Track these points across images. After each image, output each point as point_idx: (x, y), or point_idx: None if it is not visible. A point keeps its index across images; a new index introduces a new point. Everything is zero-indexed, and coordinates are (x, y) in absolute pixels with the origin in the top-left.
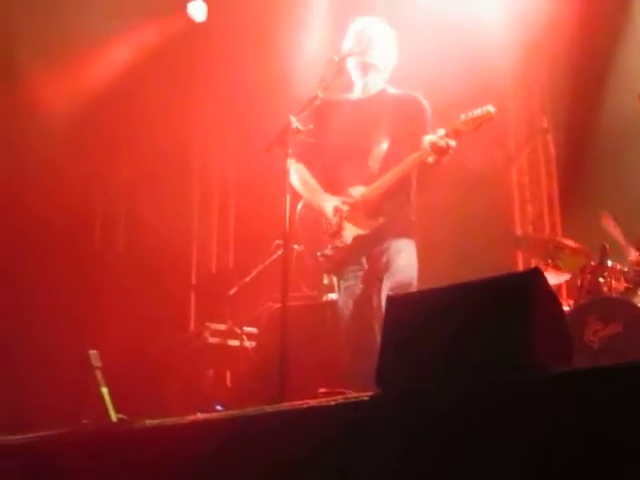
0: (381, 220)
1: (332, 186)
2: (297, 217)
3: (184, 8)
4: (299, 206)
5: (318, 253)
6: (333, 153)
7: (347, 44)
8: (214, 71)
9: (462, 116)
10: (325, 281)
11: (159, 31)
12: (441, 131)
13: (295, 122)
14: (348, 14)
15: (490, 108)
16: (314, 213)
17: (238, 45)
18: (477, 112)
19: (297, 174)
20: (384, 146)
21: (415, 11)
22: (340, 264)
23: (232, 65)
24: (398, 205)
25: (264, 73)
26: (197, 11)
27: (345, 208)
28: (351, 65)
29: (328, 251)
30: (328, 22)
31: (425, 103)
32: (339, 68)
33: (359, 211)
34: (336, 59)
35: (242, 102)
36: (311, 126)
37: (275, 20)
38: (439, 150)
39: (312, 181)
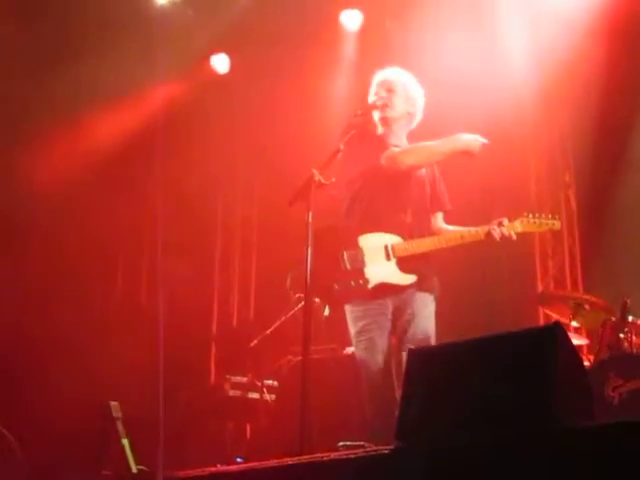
0: (414, 278)
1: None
2: (309, 251)
3: (207, 60)
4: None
5: (335, 286)
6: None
7: (371, 96)
8: (237, 123)
9: (530, 216)
10: (326, 312)
11: (183, 83)
12: (506, 221)
13: (317, 175)
14: (376, 66)
15: (557, 225)
16: (329, 241)
17: (261, 96)
18: (544, 221)
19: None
20: (415, 201)
21: (437, 67)
22: (358, 300)
23: (255, 117)
24: (430, 263)
25: (287, 125)
26: (220, 63)
27: (381, 250)
28: (376, 119)
29: (347, 284)
30: (354, 74)
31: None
32: (363, 121)
33: (390, 259)
34: (359, 112)
35: (265, 155)
36: (334, 179)
37: (299, 71)
38: (503, 238)
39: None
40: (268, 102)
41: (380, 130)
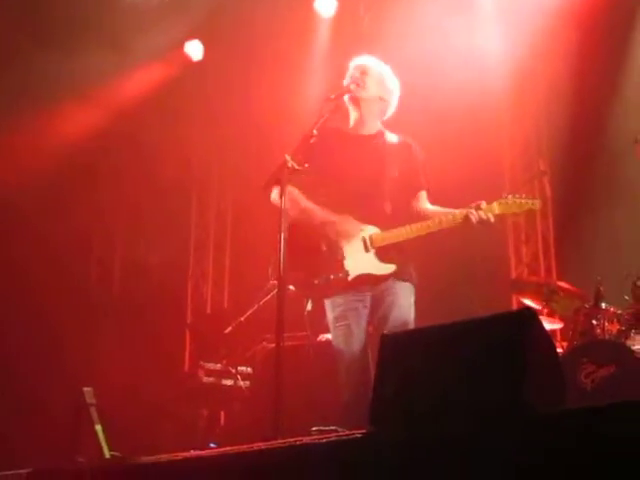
0: (393, 268)
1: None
2: (283, 237)
3: (181, 47)
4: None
5: (315, 281)
6: (342, 187)
7: (346, 80)
8: (211, 110)
9: (509, 197)
10: (308, 307)
11: (156, 70)
12: (484, 204)
13: (290, 161)
14: (349, 53)
15: (537, 204)
16: (307, 234)
17: (235, 84)
18: (524, 200)
19: (290, 195)
20: (393, 188)
21: (412, 56)
22: (338, 292)
23: (229, 104)
24: (408, 251)
25: (260, 112)
26: (194, 50)
27: (359, 242)
28: (347, 100)
29: (327, 278)
30: (328, 60)
31: (420, 151)
32: (335, 106)
33: (369, 250)
34: (332, 97)
35: (239, 142)
36: (307, 165)
37: (272, 59)
38: (482, 222)
39: (310, 203)
40: (242, 88)
41: (352, 115)
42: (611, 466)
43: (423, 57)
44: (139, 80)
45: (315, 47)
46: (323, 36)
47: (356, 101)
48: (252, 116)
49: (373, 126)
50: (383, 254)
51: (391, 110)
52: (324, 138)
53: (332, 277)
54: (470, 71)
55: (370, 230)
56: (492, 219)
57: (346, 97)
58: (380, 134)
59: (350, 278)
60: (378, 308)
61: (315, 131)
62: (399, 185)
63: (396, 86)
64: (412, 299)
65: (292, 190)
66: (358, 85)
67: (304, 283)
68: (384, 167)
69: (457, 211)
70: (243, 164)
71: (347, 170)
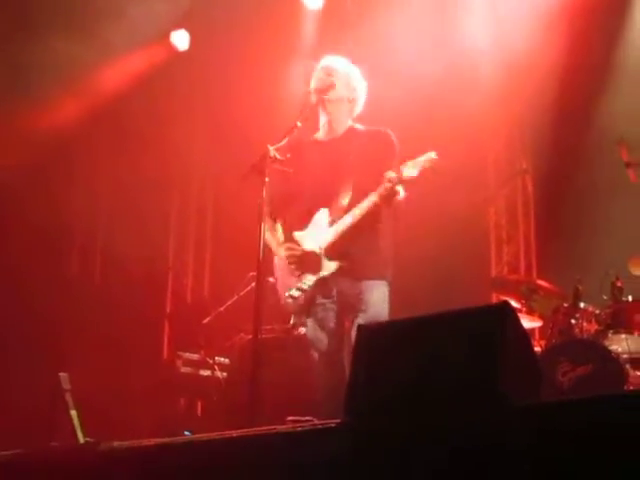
0: (343, 263)
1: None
2: (262, 227)
3: (168, 37)
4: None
5: (286, 294)
6: (305, 197)
7: (313, 81)
8: (195, 100)
9: (408, 163)
10: (292, 321)
11: (141, 60)
12: (391, 174)
13: (273, 151)
14: (334, 48)
15: (433, 155)
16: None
17: (219, 75)
18: (420, 159)
19: (267, 227)
20: (350, 188)
21: (396, 53)
22: (306, 304)
23: (212, 95)
24: (366, 245)
25: (244, 103)
26: (180, 40)
27: (292, 258)
28: (315, 104)
29: (295, 292)
30: (314, 52)
31: (394, 139)
32: (319, 99)
33: (317, 255)
34: (321, 87)
35: (222, 132)
36: (289, 155)
37: (258, 51)
38: (385, 197)
39: (276, 229)
40: (227, 80)
41: (321, 119)
42: (584, 459)
43: (408, 53)
44: (122, 69)
45: (301, 39)
46: (309, 28)
47: (323, 103)
48: (236, 108)
49: (342, 127)
50: (331, 254)
51: (358, 108)
52: (295, 145)
53: (296, 289)
54: (455, 67)
55: (311, 239)
56: (400, 192)
57: (313, 97)
58: (349, 131)
59: (311, 285)
60: (347, 309)
61: (299, 123)
62: (365, 178)
63: (363, 85)
64: (384, 295)
65: (270, 223)
66: (326, 89)
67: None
68: (344, 169)
69: (373, 193)
70: (226, 155)
71: (309, 177)
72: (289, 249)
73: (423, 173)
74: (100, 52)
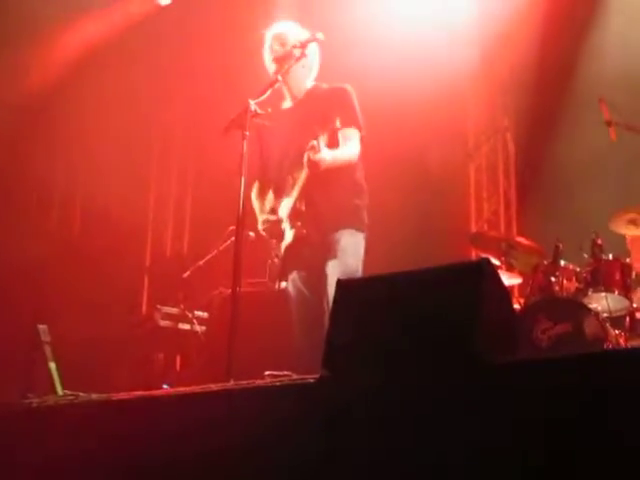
0: (303, 228)
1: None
2: (243, 181)
3: None
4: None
5: (269, 261)
6: (281, 163)
7: (265, 50)
8: (175, 56)
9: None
10: (276, 286)
11: (122, 13)
12: (314, 142)
13: (254, 105)
14: (316, 3)
15: (337, 124)
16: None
17: (199, 30)
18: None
19: (256, 191)
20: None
21: (372, 11)
22: (284, 269)
23: (193, 50)
24: (324, 201)
25: (225, 59)
26: None
27: (263, 227)
28: (274, 73)
29: (274, 259)
30: (294, 8)
31: (351, 92)
32: (300, 54)
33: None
34: (298, 44)
35: (203, 87)
36: (270, 109)
37: (239, 5)
38: (310, 165)
39: (266, 197)
40: (208, 35)
41: (283, 88)
42: (559, 420)
43: (388, 9)
44: (102, 23)
45: None
46: None
47: (282, 74)
48: (217, 64)
49: (302, 90)
50: (293, 221)
51: (315, 69)
52: (269, 104)
53: (274, 256)
54: (437, 28)
55: (282, 208)
56: (317, 157)
57: (271, 68)
58: (310, 92)
59: (282, 252)
60: (320, 261)
61: (280, 77)
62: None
63: (315, 47)
64: (355, 243)
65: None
66: (282, 60)
67: None
68: (306, 130)
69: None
70: (207, 110)
71: (276, 147)
72: (264, 220)
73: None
74: (79, 6)
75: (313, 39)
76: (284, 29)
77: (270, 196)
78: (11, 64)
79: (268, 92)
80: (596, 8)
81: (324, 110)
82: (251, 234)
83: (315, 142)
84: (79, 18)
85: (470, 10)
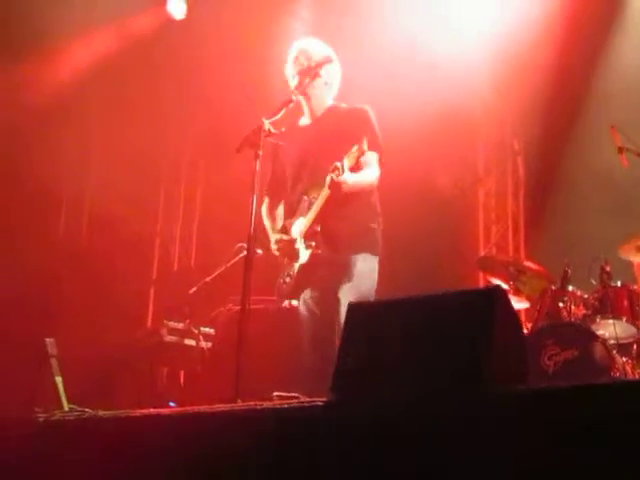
0: (318, 248)
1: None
2: (255, 199)
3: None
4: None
5: (281, 279)
6: (296, 181)
7: (291, 67)
8: (189, 70)
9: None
10: (285, 303)
11: (137, 27)
12: (338, 164)
13: (267, 124)
14: (332, 20)
15: (365, 145)
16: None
17: (215, 46)
18: (353, 150)
19: (266, 209)
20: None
21: (387, 32)
22: (296, 289)
23: (207, 65)
24: (340, 225)
25: (239, 75)
26: (176, 9)
27: (277, 247)
28: (296, 87)
29: (286, 278)
30: (311, 22)
31: (371, 114)
32: (314, 74)
33: (296, 243)
34: (313, 64)
35: (217, 102)
36: (283, 129)
37: (254, 22)
38: (332, 186)
39: (276, 215)
40: (222, 50)
41: (304, 106)
42: (560, 451)
43: (402, 31)
44: (116, 35)
45: (298, 8)
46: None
47: (304, 89)
48: (230, 79)
49: (322, 108)
50: (308, 241)
51: (336, 89)
52: (283, 124)
53: (286, 275)
54: (447, 50)
55: (296, 227)
56: (341, 179)
57: (294, 80)
58: (329, 111)
59: (296, 272)
60: (334, 282)
61: (294, 97)
62: (343, 151)
63: (338, 67)
64: (370, 267)
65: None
66: (307, 74)
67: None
68: (323, 149)
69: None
70: (219, 124)
71: (293, 166)
72: (277, 239)
73: (358, 161)
74: (96, 17)
75: (327, 60)
76: (309, 44)
77: (280, 213)
78: (22, 75)
79: (282, 112)
80: (609, 32)
81: (345, 131)
82: (259, 251)
83: (339, 164)
84: (92, 32)
85: (481, 33)
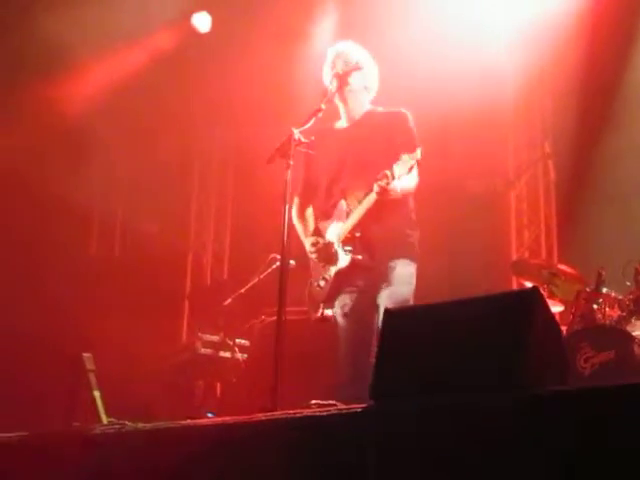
0: (358, 254)
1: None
2: (287, 209)
3: (188, 19)
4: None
5: (315, 283)
6: (330, 185)
7: (330, 69)
8: (217, 82)
9: (400, 161)
10: (320, 309)
11: (163, 42)
12: (388, 172)
13: (297, 134)
14: (356, 29)
15: (418, 154)
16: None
17: (240, 58)
18: (406, 157)
19: (296, 210)
20: (367, 174)
21: (418, 35)
22: (332, 293)
23: (233, 77)
24: (381, 230)
25: (267, 85)
26: (201, 22)
27: (314, 250)
28: (336, 90)
29: (321, 282)
30: (336, 33)
31: (410, 119)
32: (343, 82)
33: (334, 247)
34: (341, 72)
35: (243, 113)
36: (313, 138)
37: (280, 34)
38: (381, 193)
39: (306, 217)
40: (248, 62)
41: (340, 109)
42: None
43: (430, 34)
44: (142, 50)
45: (323, 19)
46: (331, 8)
47: (342, 92)
48: (258, 89)
49: (360, 112)
50: (348, 243)
51: (373, 93)
52: (312, 133)
53: (322, 279)
54: (477, 51)
55: (332, 231)
56: (397, 189)
57: (332, 84)
58: (367, 115)
59: (332, 276)
60: (371, 289)
61: (323, 105)
62: (382, 160)
63: (376, 70)
64: (408, 273)
65: (299, 204)
66: (343, 77)
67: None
68: (361, 154)
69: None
70: (246, 136)
71: (327, 170)
72: (313, 242)
73: (411, 170)
74: (121, 33)
75: (355, 68)
76: (348, 47)
77: (310, 216)
78: (49, 94)
79: (312, 121)
80: (638, 29)
81: (386, 135)
82: (292, 262)
83: (389, 172)
84: (118, 48)
85: (511, 37)
